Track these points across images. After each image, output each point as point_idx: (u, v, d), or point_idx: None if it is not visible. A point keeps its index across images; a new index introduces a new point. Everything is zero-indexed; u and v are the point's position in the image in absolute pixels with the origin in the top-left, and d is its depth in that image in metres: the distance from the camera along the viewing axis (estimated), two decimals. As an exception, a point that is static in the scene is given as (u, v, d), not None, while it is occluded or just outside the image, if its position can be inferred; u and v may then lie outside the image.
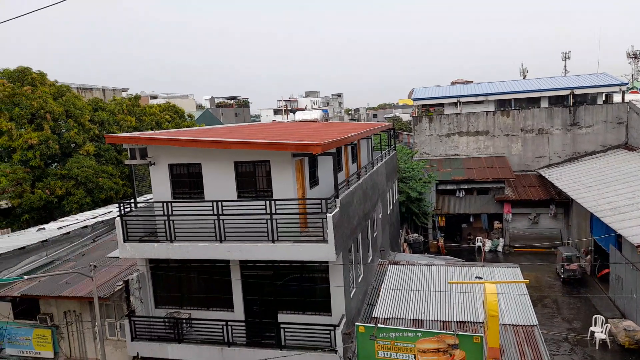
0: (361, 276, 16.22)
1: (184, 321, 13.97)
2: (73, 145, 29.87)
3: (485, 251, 32.27)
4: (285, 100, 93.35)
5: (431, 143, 39.80)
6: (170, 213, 13.51)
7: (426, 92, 44.46)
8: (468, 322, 14.58)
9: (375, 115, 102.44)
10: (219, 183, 13.99)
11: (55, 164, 29.70)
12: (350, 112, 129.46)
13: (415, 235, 32.22)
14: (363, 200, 16.71)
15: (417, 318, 14.89)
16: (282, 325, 13.05)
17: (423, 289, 16.54)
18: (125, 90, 59.24)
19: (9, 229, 27.15)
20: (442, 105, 42.82)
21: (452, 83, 55.18)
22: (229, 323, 13.44)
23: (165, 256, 13.81)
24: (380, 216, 21.14)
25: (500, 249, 32.92)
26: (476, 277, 17.30)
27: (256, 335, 13.56)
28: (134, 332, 14.18)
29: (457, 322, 14.62)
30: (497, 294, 11.45)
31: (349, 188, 14.95)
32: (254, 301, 14.13)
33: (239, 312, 14.13)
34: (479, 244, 33.16)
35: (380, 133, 28.50)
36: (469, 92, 42.18)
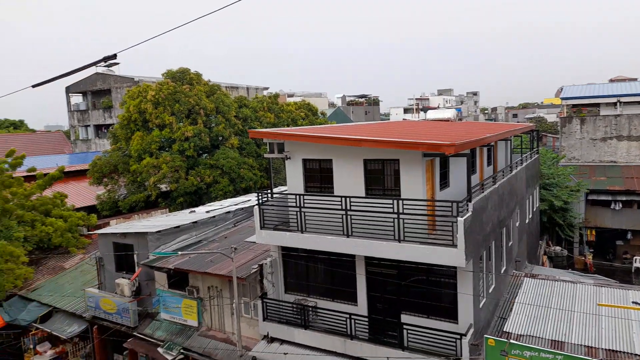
0: (492, 286, 15.27)
1: (310, 309, 14.63)
2: (220, 138, 33.08)
3: (644, 273, 28.02)
4: (416, 99, 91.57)
5: (582, 147, 35.67)
6: (302, 205, 14.24)
7: (578, 91, 39.93)
8: (620, 351, 12.82)
9: (515, 115, 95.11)
10: (348, 179, 14.33)
11: (206, 154, 33.20)
12: (486, 112, 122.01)
13: (558, 248, 29.22)
14: (498, 206, 15.69)
15: (556, 339, 13.52)
16: (405, 326, 12.92)
17: (565, 308, 14.95)
18: (266, 88, 63.71)
19: (168, 209, 31.23)
20: (596, 105, 38.06)
21: (611, 80, 48.70)
22: (353, 316, 13.73)
23: (296, 245, 14.62)
24: (517, 224, 19.63)
25: (664, 272, 28.29)
26: (633, 302, 15.09)
27: (378, 332, 13.62)
28: (265, 313, 15.29)
29: (606, 350, 12.94)
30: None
31: (483, 192, 14.16)
32: (377, 298, 14.21)
33: (362, 306, 14.34)
34: (637, 264, 28.86)
35: (521, 135, 26.42)
36: (633, 91, 36.80)
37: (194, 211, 23.95)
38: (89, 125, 51.77)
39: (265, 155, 16.22)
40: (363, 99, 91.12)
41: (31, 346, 22.63)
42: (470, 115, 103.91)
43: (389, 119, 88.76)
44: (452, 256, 11.83)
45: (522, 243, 21.22)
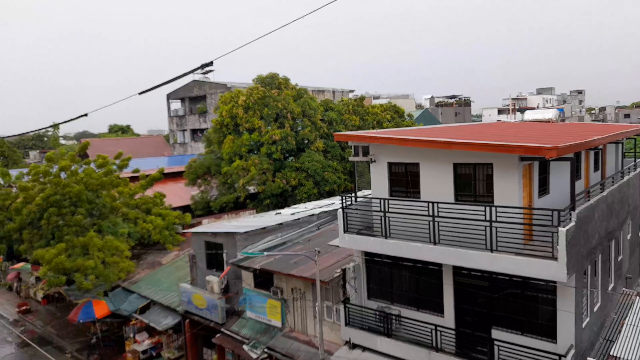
0: (598, 305, 13.73)
1: (394, 317, 14.18)
2: (306, 141, 33.64)
3: None
4: (512, 99, 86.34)
5: None
6: (386, 210, 13.85)
7: None
8: None
9: (627, 116, 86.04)
10: (436, 184, 13.69)
11: (291, 157, 33.95)
12: (593, 112, 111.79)
13: (677, 264, 25.72)
14: (607, 216, 14.08)
15: (676, 370, 11.81)
16: (496, 342, 12.01)
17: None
18: (352, 91, 63.86)
19: (255, 210, 32.37)
20: None
21: None
22: (439, 328, 13.06)
23: (380, 251, 14.25)
24: (629, 237, 17.54)
25: None
26: None
27: (466, 346, 12.82)
28: (347, 318, 15.10)
29: None
30: None
31: (589, 200, 12.78)
32: (465, 310, 13.39)
33: (449, 318, 13.61)
34: None
35: (635, 137, 23.62)
36: None
37: (280, 213, 24.50)
38: (185, 130, 55.50)
39: (350, 159, 16.07)
40: (453, 100, 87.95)
41: (131, 335, 24.59)
42: (574, 116, 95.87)
43: (481, 121, 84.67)
44: (551, 270, 10.76)
45: (635, 258, 18.92)
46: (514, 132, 15.88)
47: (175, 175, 38.18)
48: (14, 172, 29.43)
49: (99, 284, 23.28)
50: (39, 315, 31.18)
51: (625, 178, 17.00)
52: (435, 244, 12.72)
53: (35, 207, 23.84)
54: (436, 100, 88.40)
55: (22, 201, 24.36)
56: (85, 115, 11.12)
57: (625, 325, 13.94)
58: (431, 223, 12.77)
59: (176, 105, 57.03)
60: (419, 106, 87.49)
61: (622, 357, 12.54)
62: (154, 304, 23.97)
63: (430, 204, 12.82)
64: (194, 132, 54.98)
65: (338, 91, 60.04)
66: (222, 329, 19.60)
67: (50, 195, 23.90)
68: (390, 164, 14.87)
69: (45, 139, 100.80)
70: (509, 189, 12.31)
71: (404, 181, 14.63)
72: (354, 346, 14.99)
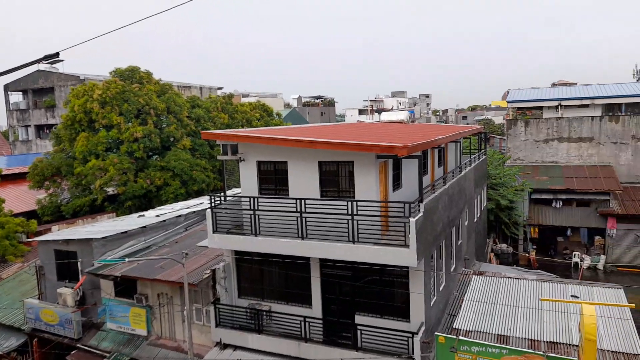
0: (443, 284, 15.63)
1: (265, 313, 14.41)
2: (172, 139, 32.12)
3: (583, 268, 29.61)
4: (371, 100, 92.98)
5: (526, 149, 37.36)
6: (256, 208, 13.99)
7: (523, 94, 41.82)
8: (560, 343, 13.43)
9: (464, 117, 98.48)
10: (303, 181, 14.23)
11: (156, 156, 32.14)
12: (438, 114, 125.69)
13: (504, 245, 30.41)
14: (449, 206, 16.08)
15: (502, 334, 14.01)
16: (359, 327, 12.96)
17: (510, 303, 15.53)
18: (220, 88, 62.62)
19: (115, 213, 29.94)
20: (540, 108, 40.02)
21: (553, 85, 51.34)
22: (307, 319, 13.63)
23: (250, 249, 14.35)
24: (466, 223, 20.22)
25: (600, 267, 30.03)
26: (572, 296, 15.89)
27: (333, 334, 13.60)
28: (218, 319, 14.91)
29: (547, 342, 13.54)
30: (596, 316, 10.40)
31: (434, 192, 14.46)
32: (332, 300, 14.19)
33: (317, 309, 14.27)
34: (576, 259, 30.52)
35: (470, 136, 27.28)
36: (573, 95, 39.00)
37: (143, 215, 23.08)
38: (29, 126, 48.89)
39: (219, 157, 15.84)
40: (319, 100, 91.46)
41: (-37, 363, 21.03)
42: (422, 117, 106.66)
43: (344, 121, 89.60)
44: (404, 256, 11.97)
45: (471, 241, 21.89)
46: (372, 132, 17.21)
47: (16, 177, 33.52)
48: None
49: None
50: None
51: (463, 172, 19.57)
52: (303, 238, 13.23)
53: None
54: (303, 100, 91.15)
55: None
56: None
57: (464, 301, 16.10)
58: (299, 219, 13.25)
59: (17, 97, 49.83)
60: (287, 105, 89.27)
61: (462, 329, 14.47)
62: (-9, 326, 20.82)
63: (298, 201, 13.30)
64: (39, 128, 48.67)
65: (206, 88, 58.39)
66: (79, 345, 17.87)
67: None
68: (259, 163, 15.02)
69: None
70: (367, 185, 13.33)
71: (273, 179, 14.91)
72: (225, 346, 14.86)
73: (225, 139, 15.29)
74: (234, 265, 15.54)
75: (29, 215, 28.55)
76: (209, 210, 14.72)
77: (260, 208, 14.10)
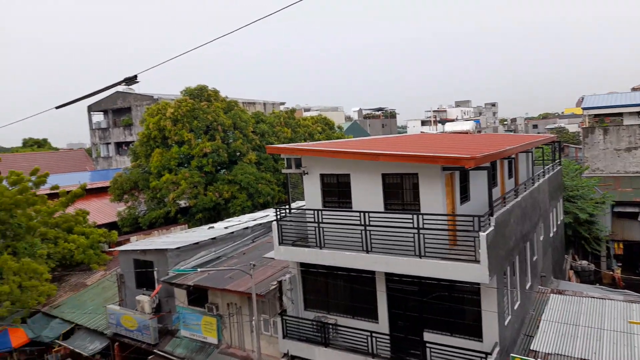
0: (518, 303, 14.85)
1: (331, 326, 14.42)
2: (238, 154, 33.32)
3: (675, 288, 26.94)
4: (433, 111, 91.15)
5: (606, 158, 34.88)
6: (320, 220, 14.13)
7: (599, 100, 39.19)
8: (652, 371, 12.28)
9: (535, 126, 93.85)
10: (367, 194, 14.19)
11: (224, 170, 33.43)
12: (505, 123, 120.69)
13: (585, 262, 28.37)
14: (521, 220, 15.33)
15: (585, 358, 13.04)
16: (428, 345, 12.61)
17: (594, 325, 14.43)
18: (283, 103, 64.23)
19: (187, 225, 31.43)
20: (619, 114, 37.30)
21: (633, 89, 47.68)
22: (374, 334, 13.47)
23: (315, 261, 14.49)
24: (541, 238, 19.16)
25: (698, 287, 27.16)
26: (664, 319, 14.50)
27: (400, 350, 13.33)
28: (285, 331, 15.12)
29: (637, 369, 12.43)
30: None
31: (505, 206, 13.86)
32: (398, 315, 13.94)
33: (383, 324, 14.08)
34: (666, 278, 27.82)
35: (543, 146, 25.92)
36: (657, 99, 35.99)
37: (213, 227, 24.04)
38: (109, 143, 52.79)
39: (283, 171, 16.23)
40: (380, 112, 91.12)
41: (54, 363, 22.81)
42: (489, 127, 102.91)
43: (406, 132, 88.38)
44: (474, 272, 11.55)
45: (547, 258, 20.67)
46: (436, 143, 16.87)
47: (99, 191, 36.18)
48: None
49: (16, 310, 21.42)
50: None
51: (536, 184, 18.61)
52: (367, 252, 13.16)
53: (-63, 230, 21.58)
54: (364, 112, 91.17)
55: None
56: (-1, 130, 10.35)
57: (542, 321, 15.19)
58: (363, 232, 13.21)
59: (98, 117, 54.09)
60: (348, 118, 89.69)
61: (540, 351, 13.65)
62: (78, 329, 22.48)
63: (362, 214, 13.27)
64: (118, 145, 52.40)
65: (269, 103, 60.11)
66: (155, 350, 18.81)
67: (-46, 217, 21.75)
68: (322, 176, 15.20)
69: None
70: (433, 197, 13.05)
71: (336, 192, 15.01)
72: (292, 358, 15.02)
73: (289, 153, 15.66)
74: (300, 277, 15.73)
75: (110, 226, 30.69)
76: (274, 222, 15.06)
77: (324, 221, 14.22)
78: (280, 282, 15.53)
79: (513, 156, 19.62)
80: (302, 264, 15.50)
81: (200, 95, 33.97)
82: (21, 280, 21.01)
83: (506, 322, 13.31)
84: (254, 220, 24.39)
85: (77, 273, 27.20)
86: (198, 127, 31.78)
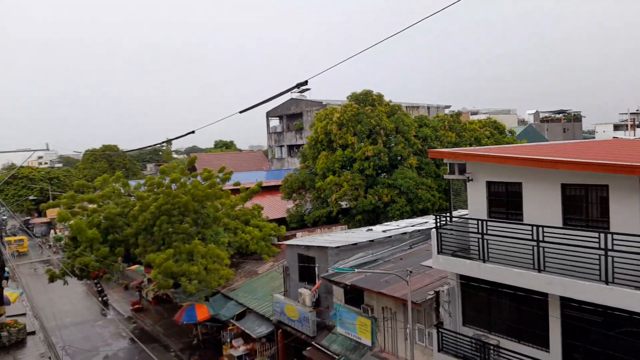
0: None
1: (492, 347, 13.32)
2: (399, 158, 33.24)
3: None
4: (631, 113, 77.84)
5: None
6: (484, 232, 13.15)
7: None
8: None
9: None
10: (541, 206, 12.73)
11: (384, 174, 33.71)
12: None
13: None
14: None
15: None
16: (611, 387, 10.74)
17: None
18: (448, 107, 62.08)
19: (346, 225, 32.56)
20: None
21: None
22: (542, 364, 12.02)
23: (476, 275, 13.53)
24: None
25: None
26: None
27: (575, 387, 11.62)
28: (440, 344, 14.48)
29: None
30: None
31: None
32: (575, 347, 12.17)
33: (555, 354, 12.45)
34: None
35: None
36: None
37: (371, 229, 24.37)
38: (283, 146, 57.85)
39: (445, 176, 15.59)
40: (561, 115, 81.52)
41: (228, 340, 25.85)
42: None
43: (594, 138, 77.36)
44: (683, 309, 9.41)
45: None
46: (632, 151, 14.28)
47: (272, 189, 39.84)
48: (132, 183, 32.76)
49: (201, 288, 24.87)
50: (148, 314, 34.09)
51: None
52: (539, 271, 11.79)
53: (149, 215, 26.26)
54: (541, 115, 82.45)
55: (139, 209, 26.98)
56: (193, 132, 12.08)
57: None
58: (535, 248, 11.87)
59: (275, 122, 59.79)
60: (521, 122, 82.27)
61: None
62: (249, 312, 25.03)
63: (535, 228, 11.94)
64: (290, 148, 57.10)
65: (433, 107, 58.70)
66: (313, 342, 19.85)
67: (162, 205, 26.19)
68: (489, 183, 14.14)
69: (160, 153, 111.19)
70: (628, 214, 11.06)
71: (504, 202, 13.81)
72: (446, 373, 14.31)
73: (452, 158, 14.95)
74: (459, 290, 14.89)
75: (280, 221, 33.53)
76: (433, 229, 14.53)
77: (489, 232, 13.19)
78: (437, 293, 14.93)
79: None
80: (462, 276, 14.64)
81: (365, 100, 34.86)
82: (207, 263, 24.30)
83: None
84: (412, 226, 23.99)
85: (250, 261, 30.37)
86: (361, 131, 32.64)
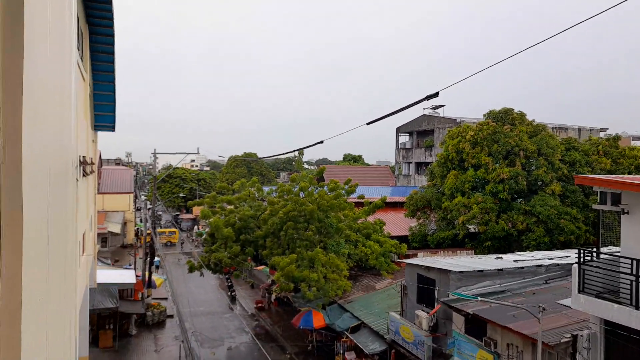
0: None
1: (641, 411, 11.26)
2: (540, 183, 30.36)
3: None
4: None
5: None
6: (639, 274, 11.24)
7: None
8: None
9: None
10: None
11: (520, 199, 31.06)
12: None
13: None
14: None
15: None
16: None
17: None
18: (604, 130, 55.24)
19: (473, 251, 30.62)
20: None
21: None
22: None
23: (626, 323, 11.60)
24: None
25: None
26: None
27: None
28: (574, 396, 12.69)
29: None
30: None
31: None
32: None
33: None
34: None
35: None
36: None
37: (501, 258, 22.55)
38: (411, 162, 56.92)
39: (594, 207, 13.78)
40: None
41: (341, 351, 25.91)
42: None
43: None
44: None
45: None
46: None
47: (396, 205, 39.34)
48: (266, 188, 35.04)
49: (319, 296, 25.42)
50: (270, 314, 35.91)
51: None
52: None
53: (278, 219, 27.75)
54: None
55: (269, 213, 28.70)
56: (321, 142, 12.40)
57: None
58: None
59: (404, 138, 59.18)
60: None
61: None
62: (364, 326, 24.84)
63: None
64: (418, 165, 55.92)
65: (585, 129, 52.67)
66: (426, 369, 18.90)
67: (289, 211, 27.51)
68: (650, 218, 12.08)
69: (293, 163, 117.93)
70: None
71: (671, 241, 11.65)
72: None
73: (604, 186, 13.14)
74: (602, 338, 12.91)
75: (401, 239, 32.85)
76: (575, 265, 12.86)
77: (647, 275, 11.22)
78: (575, 337, 13.14)
79: None
80: (606, 322, 12.68)
81: (504, 118, 32.69)
82: (326, 272, 24.79)
83: None
84: (550, 259, 21.60)
85: (369, 276, 30.21)
86: (497, 152, 30.60)
